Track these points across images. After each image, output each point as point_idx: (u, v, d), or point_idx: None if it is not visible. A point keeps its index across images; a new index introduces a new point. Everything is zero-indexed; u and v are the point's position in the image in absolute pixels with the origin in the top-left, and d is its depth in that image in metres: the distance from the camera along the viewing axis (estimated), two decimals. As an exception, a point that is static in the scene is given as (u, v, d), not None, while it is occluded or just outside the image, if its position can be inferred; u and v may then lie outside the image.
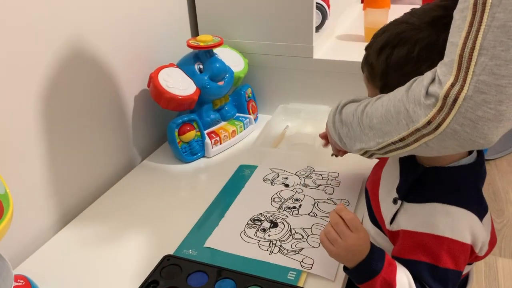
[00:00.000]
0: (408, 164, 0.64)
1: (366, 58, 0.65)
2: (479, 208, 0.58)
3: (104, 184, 0.94)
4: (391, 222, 0.63)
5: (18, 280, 0.63)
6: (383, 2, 1.19)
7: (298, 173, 0.93)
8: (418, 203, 0.60)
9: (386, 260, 0.57)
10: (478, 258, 0.61)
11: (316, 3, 1.09)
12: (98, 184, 0.94)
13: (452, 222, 0.56)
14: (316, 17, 1.11)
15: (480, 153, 0.62)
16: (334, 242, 0.59)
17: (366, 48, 0.65)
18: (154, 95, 0.96)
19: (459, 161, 0.60)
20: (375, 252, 0.57)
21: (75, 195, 0.89)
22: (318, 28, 1.17)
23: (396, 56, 0.58)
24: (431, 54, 0.55)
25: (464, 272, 0.62)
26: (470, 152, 0.62)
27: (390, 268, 0.56)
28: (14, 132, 0.74)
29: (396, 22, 0.62)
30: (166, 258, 0.70)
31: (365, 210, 0.75)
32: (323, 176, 0.92)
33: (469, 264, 0.63)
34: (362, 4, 1.28)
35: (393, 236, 0.63)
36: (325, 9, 1.17)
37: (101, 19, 0.88)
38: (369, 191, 0.74)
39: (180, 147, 0.98)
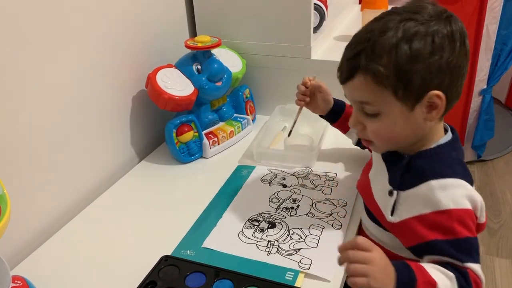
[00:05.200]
0: (393, 159, 0.68)
1: (355, 65, 0.61)
2: (468, 179, 0.62)
3: (102, 185, 0.94)
4: (392, 214, 0.65)
5: (16, 281, 0.62)
6: (381, 3, 1.19)
7: (296, 174, 0.93)
8: (413, 187, 0.63)
9: (412, 266, 0.56)
10: (480, 227, 0.64)
11: (314, 4, 1.09)
12: (96, 185, 0.93)
13: (450, 193, 0.59)
14: (314, 18, 1.11)
15: (454, 130, 0.68)
16: (366, 273, 0.53)
17: (353, 58, 0.61)
18: (152, 95, 0.96)
19: (438, 141, 0.65)
20: (397, 265, 0.56)
21: (72, 196, 0.88)
22: (316, 29, 1.17)
23: (418, 47, 0.58)
24: (450, 43, 0.59)
25: None
26: (445, 131, 0.67)
27: (421, 270, 0.56)
28: (11, 132, 0.73)
29: (386, 23, 0.60)
30: (164, 258, 0.70)
31: (363, 209, 0.76)
32: (321, 176, 0.92)
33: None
34: (360, 5, 1.28)
35: (396, 228, 0.65)
36: (323, 10, 1.17)
37: (98, 19, 0.88)
38: (361, 192, 0.76)
39: (178, 148, 0.98)
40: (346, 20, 1.44)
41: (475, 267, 0.57)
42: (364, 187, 0.75)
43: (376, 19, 0.63)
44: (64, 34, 0.81)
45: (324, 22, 1.20)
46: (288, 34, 1.07)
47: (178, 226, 0.79)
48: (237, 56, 1.12)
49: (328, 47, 1.18)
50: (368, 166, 0.77)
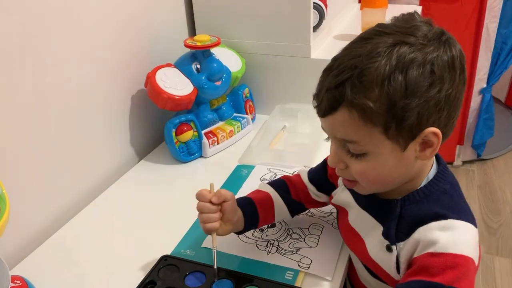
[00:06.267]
0: (381, 206, 0.60)
1: (339, 97, 0.52)
2: (469, 216, 0.56)
3: (101, 184, 0.94)
4: (398, 271, 0.57)
5: (15, 281, 0.62)
6: (381, 1, 1.19)
7: (295, 173, 0.93)
8: (412, 234, 0.55)
9: None
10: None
11: (314, 2, 1.09)
12: (95, 184, 0.93)
13: (451, 235, 0.53)
14: (314, 17, 1.11)
15: (438, 158, 0.61)
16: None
17: (336, 88, 0.52)
18: (152, 95, 0.96)
19: (427, 175, 0.58)
20: None
21: (72, 196, 0.88)
22: (315, 27, 1.17)
23: (415, 79, 0.50)
24: (450, 73, 0.52)
25: None
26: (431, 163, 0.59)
27: None
28: (10, 131, 0.73)
29: (375, 47, 0.51)
30: (164, 258, 0.70)
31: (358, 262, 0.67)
32: (320, 176, 0.91)
33: None
34: (360, 4, 1.28)
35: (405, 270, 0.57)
36: (322, 8, 1.17)
37: (97, 19, 0.88)
38: (350, 245, 0.67)
39: (177, 147, 0.98)
40: (346, 19, 1.44)
41: None
42: (352, 240, 0.65)
43: (362, 39, 0.54)
44: (64, 33, 0.80)
45: (324, 21, 1.20)
46: (287, 33, 1.07)
47: (178, 226, 0.79)
48: (237, 55, 1.12)
49: (328, 46, 1.18)
50: (342, 216, 0.68)
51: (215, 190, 0.67)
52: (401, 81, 0.49)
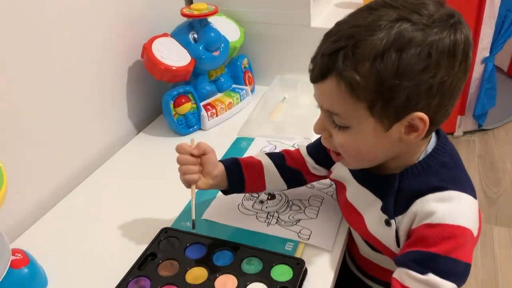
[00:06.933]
0: (379, 181, 0.60)
1: (330, 65, 0.51)
2: (469, 187, 0.56)
3: (100, 157, 0.93)
4: (398, 245, 0.58)
5: (16, 254, 0.62)
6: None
7: (295, 145, 0.92)
8: (410, 207, 0.55)
9: None
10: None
11: (314, -32, 1.06)
12: (94, 157, 0.93)
13: (448, 206, 0.53)
14: (314, -16, 1.08)
15: (438, 130, 0.59)
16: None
17: (329, 55, 0.51)
18: (148, 66, 0.94)
19: (426, 149, 0.57)
20: None
21: (71, 169, 0.88)
22: (315, -5, 1.14)
23: (409, 60, 0.48)
24: (449, 60, 0.49)
25: None
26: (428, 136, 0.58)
27: None
28: (7, 104, 0.72)
29: (377, 19, 0.49)
30: (164, 230, 0.70)
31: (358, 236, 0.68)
32: (320, 147, 0.91)
33: None
34: (362, -30, 1.24)
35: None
36: (323, -25, 1.14)
37: (91, -13, 0.85)
38: (350, 220, 0.67)
39: (176, 120, 0.97)
40: (347, -14, 1.40)
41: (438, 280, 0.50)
42: (351, 215, 0.65)
43: (368, 8, 0.52)
44: (57, 2, 0.78)
45: (324, -12, 1.16)
46: (286, 0, 1.04)
47: (178, 199, 0.79)
48: (235, 25, 1.09)
49: (329, 14, 1.15)
50: (341, 190, 0.68)
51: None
52: (394, 60, 0.48)
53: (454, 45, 0.49)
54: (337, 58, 0.50)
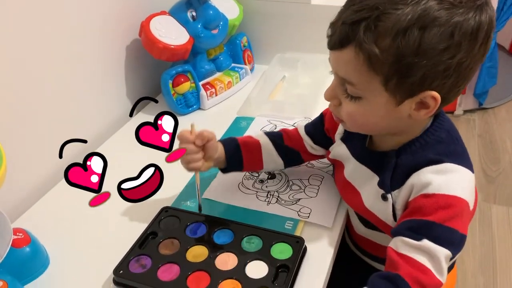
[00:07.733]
0: (377, 158, 0.61)
1: (351, 35, 0.50)
2: (467, 162, 0.56)
3: (100, 136, 0.93)
4: (395, 219, 0.58)
5: (17, 233, 0.63)
6: None
7: (295, 124, 0.92)
8: (406, 181, 0.56)
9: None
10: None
11: None
12: (93, 136, 0.92)
13: (444, 178, 0.53)
14: (314, -41, 1.06)
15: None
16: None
17: (351, 24, 0.50)
18: (146, 44, 0.93)
19: (425, 126, 0.58)
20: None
21: (70, 149, 0.87)
22: (316, -29, 1.11)
23: (431, 39, 0.47)
24: (470, 42, 0.48)
25: None
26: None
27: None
28: (7, 84, 0.71)
29: None
30: (164, 209, 0.71)
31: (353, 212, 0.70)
32: (320, 126, 0.90)
33: None
34: None
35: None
36: (323, -50, 1.11)
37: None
38: (346, 198, 0.68)
39: (175, 99, 0.97)
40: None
41: (434, 247, 0.51)
42: (348, 193, 0.66)
43: None
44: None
45: (325, -37, 1.14)
46: (287, -23, 1.03)
47: (178, 178, 0.79)
48: (234, 2, 1.08)
49: (329, -9, 1.13)
50: (339, 169, 0.69)
51: (196, 131, 0.66)
52: (416, 38, 0.47)
53: (478, 27, 0.48)
54: (358, 28, 0.49)
